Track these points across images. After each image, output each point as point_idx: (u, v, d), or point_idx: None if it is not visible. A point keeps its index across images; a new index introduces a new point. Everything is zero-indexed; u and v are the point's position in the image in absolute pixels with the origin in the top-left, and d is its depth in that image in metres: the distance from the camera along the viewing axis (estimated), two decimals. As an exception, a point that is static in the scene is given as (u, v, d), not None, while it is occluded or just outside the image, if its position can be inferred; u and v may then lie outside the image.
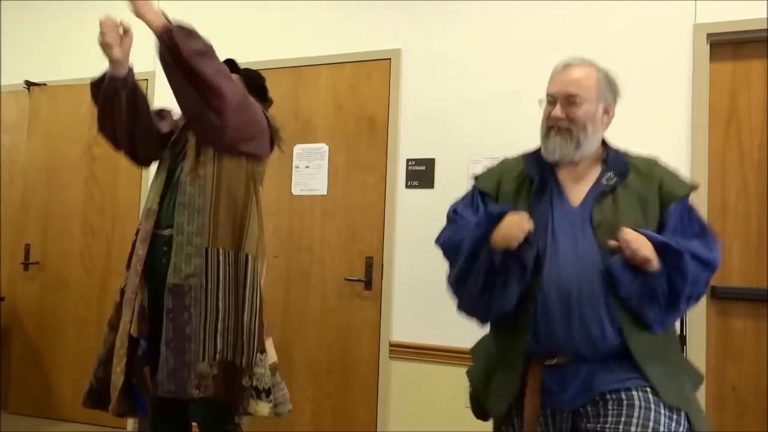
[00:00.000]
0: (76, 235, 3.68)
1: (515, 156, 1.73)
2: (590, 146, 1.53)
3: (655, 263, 1.37)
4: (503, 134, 2.81)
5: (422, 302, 2.89)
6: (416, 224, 2.94)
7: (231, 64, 2.12)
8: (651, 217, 1.47)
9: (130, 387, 1.88)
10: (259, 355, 1.86)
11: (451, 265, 1.61)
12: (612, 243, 1.40)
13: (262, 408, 1.82)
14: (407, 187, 2.98)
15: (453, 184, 2.89)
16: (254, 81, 2.17)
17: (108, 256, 3.61)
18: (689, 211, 1.51)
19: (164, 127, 2.10)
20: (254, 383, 1.83)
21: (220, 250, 1.85)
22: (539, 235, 1.46)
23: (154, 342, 1.84)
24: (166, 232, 1.88)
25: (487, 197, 1.66)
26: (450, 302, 2.81)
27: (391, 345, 2.93)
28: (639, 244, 1.36)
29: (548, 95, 1.58)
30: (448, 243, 1.63)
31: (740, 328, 2.46)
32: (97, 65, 4.06)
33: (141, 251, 1.90)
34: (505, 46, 2.85)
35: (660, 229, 1.46)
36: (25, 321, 3.76)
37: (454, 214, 1.70)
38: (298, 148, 3.20)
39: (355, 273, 3.04)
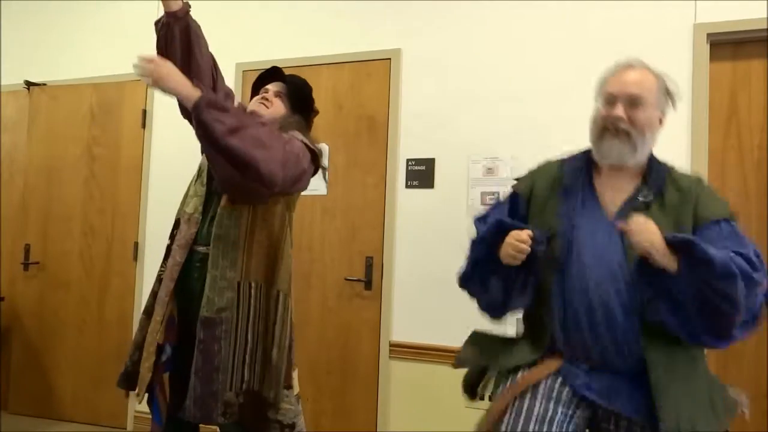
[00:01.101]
0: (76, 235, 3.68)
1: (558, 158, 1.69)
2: (644, 154, 1.49)
3: (663, 260, 1.31)
4: (503, 134, 2.81)
5: (422, 302, 2.89)
6: (416, 224, 2.94)
7: (276, 72, 2.10)
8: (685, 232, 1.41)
9: (152, 387, 1.92)
10: (285, 390, 1.91)
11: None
12: (621, 225, 1.36)
13: None
14: (407, 187, 2.98)
15: (453, 184, 2.89)
16: (301, 91, 2.10)
17: (108, 256, 3.61)
18: (727, 230, 1.41)
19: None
20: (279, 417, 1.89)
21: (252, 284, 1.87)
22: (561, 238, 1.46)
23: (179, 350, 1.89)
24: (202, 249, 1.89)
25: (519, 198, 1.64)
26: (450, 302, 2.82)
27: (391, 345, 2.93)
28: (644, 232, 1.31)
29: (608, 94, 1.50)
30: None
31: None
32: (98, 65, 4.08)
33: (179, 257, 1.91)
34: (505, 46, 2.85)
35: None
36: (25, 321, 3.76)
37: (480, 218, 1.69)
38: (298, 148, 3.20)
39: (355, 273, 3.04)
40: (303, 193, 3.15)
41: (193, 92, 1.71)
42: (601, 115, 1.51)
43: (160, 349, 1.90)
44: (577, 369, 1.46)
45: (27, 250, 3.76)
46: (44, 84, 3.84)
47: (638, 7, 2.63)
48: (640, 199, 1.46)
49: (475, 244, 1.58)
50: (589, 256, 1.43)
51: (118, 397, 3.50)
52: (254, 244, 1.88)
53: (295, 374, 2.00)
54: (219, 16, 3.47)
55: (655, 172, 1.51)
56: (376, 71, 3.08)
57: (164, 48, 1.93)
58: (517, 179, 1.72)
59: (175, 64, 1.84)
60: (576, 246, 1.46)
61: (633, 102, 1.46)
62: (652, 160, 1.53)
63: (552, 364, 1.48)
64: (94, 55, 3.79)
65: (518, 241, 1.43)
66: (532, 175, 1.67)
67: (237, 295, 1.85)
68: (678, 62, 2.54)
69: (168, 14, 1.93)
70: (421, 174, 2.96)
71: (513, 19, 2.85)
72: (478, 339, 1.74)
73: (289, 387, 1.94)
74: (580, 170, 1.55)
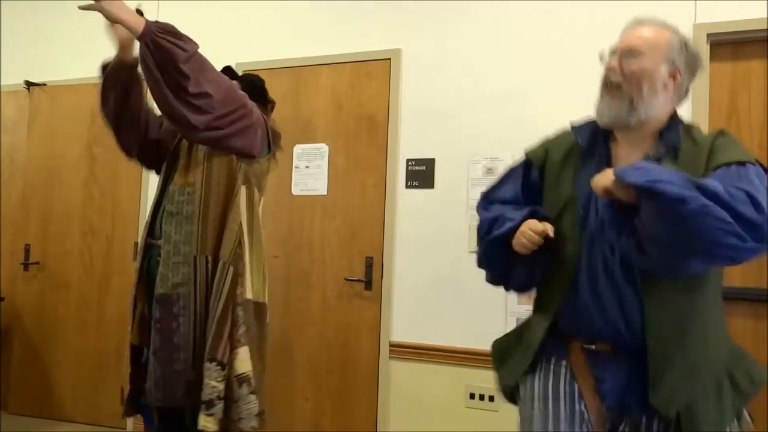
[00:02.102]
0: (76, 235, 3.68)
1: (572, 126, 1.59)
2: (648, 110, 1.35)
3: (623, 194, 1.20)
4: (503, 134, 2.81)
5: (422, 302, 2.89)
6: (416, 224, 2.94)
7: (228, 71, 2.10)
8: None
9: (136, 394, 1.91)
10: (209, 364, 1.76)
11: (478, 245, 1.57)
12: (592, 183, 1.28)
13: (203, 421, 1.73)
14: (407, 187, 2.98)
15: (453, 184, 2.89)
16: (253, 84, 2.14)
17: (108, 256, 3.61)
18: (737, 171, 1.23)
19: (153, 132, 2.05)
20: (202, 394, 1.75)
21: (209, 258, 1.82)
22: (580, 206, 1.38)
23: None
24: (159, 242, 1.88)
25: (532, 166, 1.54)
26: (450, 302, 2.83)
27: (391, 345, 2.93)
28: (600, 179, 1.25)
29: (611, 49, 1.43)
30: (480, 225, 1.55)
31: (740, 328, 2.45)
32: (97, 65, 4.06)
33: (137, 263, 1.93)
34: (505, 45, 2.85)
35: None
36: (25, 321, 3.76)
37: (486, 200, 1.59)
38: (298, 148, 3.20)
39: (355, 273, 3.04)
40: (303, 193, 3.18)
41: (139, 20, 1.72)
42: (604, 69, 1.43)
43: (138, 352, 1.88)
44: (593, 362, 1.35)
45: (27, 250, 3.76)
46: (44, 84, 3.84)
47: (638, 7, 2.62)
48: (650, 155, 1.34)
49: (495, 233, 1.45)
50: (595, 221, 1.36)
51: (118, 397, 3.50)
52: (209, 218, 1.83)
53: (240, 353, 1.81)
54: (219, 16, 3.47)
55: (671, 129, 1.38)
56: (376, 71, 3.08)
57: (108, 88, 1.97)
58: (531, 148, 1.61)
59: (110, 102, 1.95)
60: (590, 216, 1.38)
61: (628, 53, 1.37)
62: (673, 119, 1.40)
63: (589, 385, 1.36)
64: (94, 55, 3.78)
65: (533, 231, 1.36)
66: (546, 143, 1.57)
67: (193, 269, 1.79)
68: (678, 62, 2.54)
69: (120, 62, 1.93)
70: (421, 174, 2.95)
71: (513, 19, 2.85)
72: (501, 351, 1.59)
73: (213, 360, 1.76)
74: (596, 136, 1.45)
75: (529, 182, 1.54)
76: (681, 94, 1.41)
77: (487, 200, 1.58)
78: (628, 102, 1.35)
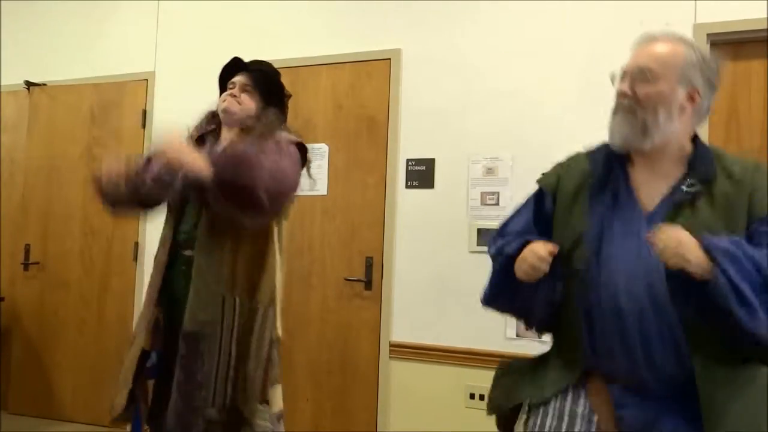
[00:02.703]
0: (76, 235, 3.68)
1: (588, 149, 1.49)
2: (664, 135, 1.26)
3: (698, 270, 1.11)
4: (503, 134, 2.81)
5: (422, 302, 2.89)
6: (416, 224, 2.94)
7: (238, 63, 2.04)
8: (739, 234, 1.20)
9: (134, 395, 1.89)
10: (259, 405, 1.83)
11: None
12: (648, 237, 1.16)
13: None
14: (407, 187, 2.98)
15: (453, 184, 2.89)
16: (270, 80, 2.02)
17: (108, 256, 3.61)
18: None
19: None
20: None
21: (237, 299, 1.82)
22: (589, 242, 1.28)
23: (164, 357, 1.87)
24: (188, 252, 1.84)
25: (545, 195, 1.45)
26: (450, 302, 2.82)
27: (391, 345, 2.93)
28: (671, 247, 1.11)
29: (622, 71, 1.34)
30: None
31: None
32: (97, 65, 4.06)
33: (161, 255, 1.89)
34: (505, 45, 2.85)
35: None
36: (25, 321, 3.76)
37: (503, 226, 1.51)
38: (298, 148, 3.20)
39: (355, 273, 3.04)
40: (303, 193, 3.17)
41: (203, 164, 1.63)
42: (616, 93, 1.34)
43: (145, 356, 1.88)
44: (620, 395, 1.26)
45: (27, 250, 3.76)
46: (44, 84, 3.84)
47: (638, 7, 2.62)
48: (684, 189, 1.24)
49: (498, 267, 1.39)
50: (620, 262, 1.25)
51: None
52: (239, 256, 1.83)
53: (276, 391, 1.89)
54: (219, 16, 3.47)
55: (701, 157, 1.27)
56: (376, 71, 3.08)
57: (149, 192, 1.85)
58: (543, 174, 1.53)
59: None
60: (605, 251, 1.27)
61: (640, 76, 1.28)
62: (699, 145, 1.31)
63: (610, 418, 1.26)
64: (94, 55, 3.79)
65: (537, 256, 1.26)
66: (559, 168, 1.47)
67: (221, 309, 1.79)
68: (678, 62, 2.54)
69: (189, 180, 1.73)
70: (421, 174, 2.95)
71: (513, 19, 2.85)
72: (505, 374, 1.50)
73: (264, 402, 1.84)
74: (613, 161, 1.34)
75: (543, 212, 1.44)
76: (701, 115, 1.32)
77: (498, 234, 1.49)
78: (641, 126, 1.26)
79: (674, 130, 1.27)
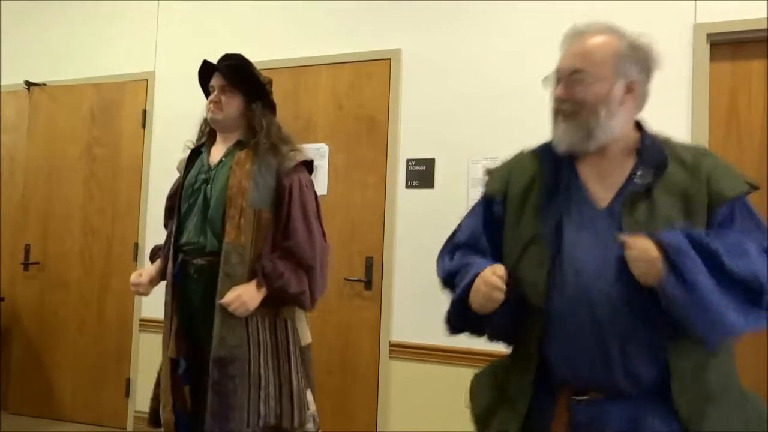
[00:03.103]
0: (76, 235, 3.68)
1: (534, 147, 1.44)
2: (607, 133, 1.24)
3: (655, 276, 1.09)
4: (503, 134, 2.81)
5: (422, 302, 2.89)
6: (416, 224, 2.94)
7: (208, 66, 2.05)
8: (697, 222, 1.18)
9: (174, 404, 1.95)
10: (305, 412, 1.92)
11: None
12: (620, 239, 1.13)
13: None
14: (407, 187, 2.98)
15: (453, 184, 2.89)
16: (241, 72, 2.02)
17: (108, 256, 3.61)
18: (742, 213, 1.21)
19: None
20: None
21: (259, 318, 1.87)
22: (549, 243, 1.23)
23: (192, 362, 1.92)
24: (199, 261, 1.90)
25: (493, 202, 1.39)
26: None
27: (391, 345, 2.93)
28: (642, 256, 1.10)
29: (555, 71, 1.31)
30: (442, 277, 1.45)
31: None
32: (97, 65, 4.06)
33: (169, 277, 1.95)
34: (505, 45, 2.85)
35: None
36: (25, 321, 3.76)
37: (456, 230, 1.47)
38: (298, 148, 3.20)
39: (355, 273, 3.04)
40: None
41: (259, 294, 1.85)
42: (551, 96, 1.31)
43: (175, 364, 1.91)
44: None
45: (27, 250, 3.76)
46: (44, 84, 3.84)
47: (638, 7, 2.62)
48: (637, 181, 1.22)
49: (454, 306, 1.34)
50: (581, 262, 1.20)
51: (118, 397, 3.50)
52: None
53: (309, 395, 1.99)
54: (219, 16, 3.47)
55: (649, 146, 1.26)
56: (376, 71, 3.08)
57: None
58: (489, 172, 1.48)
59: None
60: (564, 251, 1.23)
61: (576, 78, 1.24)
62: (644, 134, 1.29)
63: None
64: (94, 55, 3.79)
65: (490, 285, 1.19)
66: (505, 170, 1.42)
67: (246, 330, 1.84)
68: (678, 62, 2.54)
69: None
70: (421, 174, 2.95)
71: (513, 19, 2.85)
72: (484, 410, 1.41)
73: (308, 408, 1.96)
74: (561, 160, 1.30)
75: (492, 219, 1.39)
76: (641, 103, 1.30)
77: (446, 251, 1.45)
78: (585, 129, 1.24)
79: (618, 126, 1.25)
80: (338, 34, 3.19)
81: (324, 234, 2.02)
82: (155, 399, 1.99)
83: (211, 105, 1.96)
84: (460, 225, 1.47)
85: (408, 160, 2.98)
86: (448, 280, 1.38)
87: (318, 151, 3.17)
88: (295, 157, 1.94)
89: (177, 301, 1.92)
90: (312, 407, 1.98)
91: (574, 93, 1.25)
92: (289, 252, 1.89)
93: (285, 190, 1.90)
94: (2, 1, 4.02)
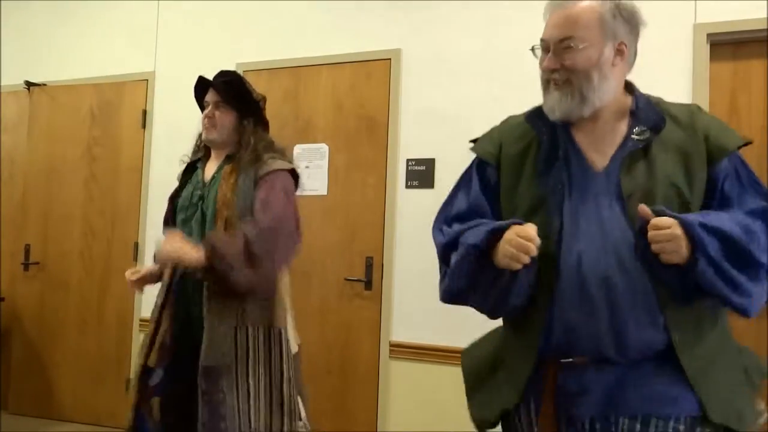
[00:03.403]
0: (76, 235, 3.68)
1: (520, 114, 1.42)
2: (601, 97, 1.22)
3: (683, 256, 1.08)
4: (503, 134, 2.81)
5: (422, 302, 2.89)
6: (416, 224, 2.94)
7: (203, 82, 2.06)
8: (697, 178, 1.19)
9: (141, 415, 1.95)
10: (297, 422, 1.95)
11: (443, 277, 1.37)
12: (643, 210, 1.10)
13: None
14: (407, 187, 2.98)
15: (453, 184, 2.88)
16: (236, 89, 2.03)
17: (108, 256, 3.61)
18: (742, 169, 1.23)
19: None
20: None
21: (249, 329, 1.88)
22: (551, 213, 1.21)
23: (170, 374, 1.92)
24: (197, 274, 1.89)
25: (487, 167, 1.36)
26: (450, 302, 2.81)
27: (391, 345, 2.93)
28: (664, 237, 1.07)
29: (540, 41, 1.29)
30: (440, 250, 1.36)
31: (740, 328, 2.45)
32: (97, 65, 4.07)
33: (166, 276, 1.95)
34: (505, 45, 2.85)
35: (710, 191, 1.20)
36: (25, 321, 3.75)
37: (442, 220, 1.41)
38: (298, 148, 3.20)
39: (355, 273, 3.04)
40: (303, 193, 3.17)
41: (198, 256, 1.75)
42: (540, 67, 1.30)
43: (150, 373, 1.92)
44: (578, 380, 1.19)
45: (27, 250, 3.76)
46: (44, 84, 3.84)
47: (638, 7, 2.62)
48: (635, 138, 1.20)
49: (462, 258, 1.24)
50: (583, 227, 1.18)
51: (118, 397, 3.50)
52: None
53: (300, 404, 2.00)
54: (219, 16, 3.47)
55: (644, 106, 1.25)
56: (376, 71, 3.08)
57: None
58: (474, 141, 1.45)
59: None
60: (566, 217, 1.20)
61: (565, 45, 1.22)
62: (637, 95, 1.28)
63: (550, 405, 1.22)
64: (94, 55, 3.79)
65: (523, 237, 1.13)
66: (496, 134, 1.40)
67: (235, 341, 1.85)
68: (678, 62, 2.54)
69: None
70: (421, 174, 2.95)
71: (513, 19, 2.85)
72: (473, 387, 1.44)
73: (300, 418, 1.97)
74: (555, 125, 1.28)
75: (487, 184, 1.36)
76: (631, 62, 1.29)
77: (441, 221, 1.39)
78: (579, 95, 1.22)
79: (611, 88, 1.24)
80: (338, 34, 3.19)
81: (293, 235, 1.97)
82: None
83: (206, 121, 2.01)
84: (453, 196, 1.42)
85: (408, 160, 2.98)
86: (451, 245, 1.30)
87: (318, 151, 3.17)
88: (273, 163, 1.95)
89: (173, 310, 1.93)
90: (303, 416, 1.99)
91: (565, 61, 1.23)
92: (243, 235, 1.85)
93: (258, 192, 1.91)
94: (2, 1, 4.02)
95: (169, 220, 2.08)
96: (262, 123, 2.08)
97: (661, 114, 1.23)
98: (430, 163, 2.94)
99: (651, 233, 1.09)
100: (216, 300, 1.84)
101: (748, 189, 1.22)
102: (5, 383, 3.74)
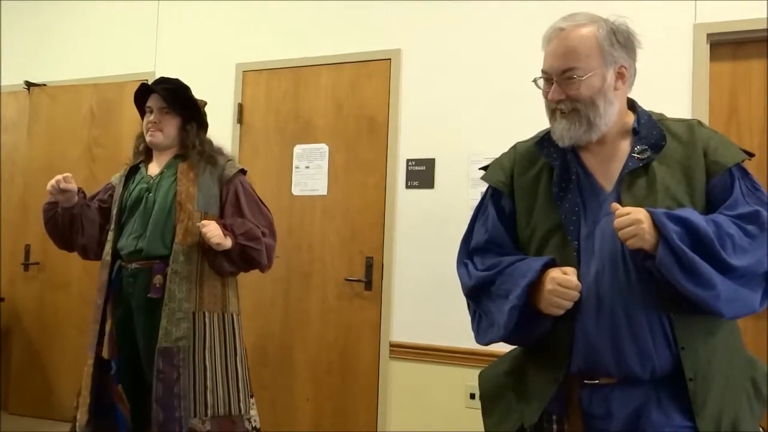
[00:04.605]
0: (76, 235, 3.67)
1: (527, 139, 1.45)
2: (608, 122, 1.26)
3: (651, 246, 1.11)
4: (503, 134, 2.79)
5: (422, 302, 2.89)
6: (416, 224, 2.94)
7: (146, 87, 2.18)
8: (698, 192, 1.21)
9: (111, 403, 2.06)
10: (250, 399, 2.08)
11: (478, 315, 1.36)
12: (613, 206, 1.15)
13: None
14: (407, 187, 2.98)
15: (453, 184, 2.89)
16: (180, 96, 2.17)
17: (108, 256, 3.61)
18: (743, 181, 1.24)
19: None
20: (253, 424, 2.06)
21: (206, 314, 2.02)
22: (569, 237, 1.24)
23: (121, 361, 2.05)
24: (133, 265, 2.05)
25: (502, 196, 1.38)
26: (450, 302, 2.81)
27: (391, 345, 2.93)
28: (626, 221, 1.11)
29: (542, 72, 1.32)
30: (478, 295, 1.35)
31: (740, 328, 2.45)
32: (98, 65, 4.07)
33: (103, 280, 2.11)
34: (505, 45, 2.85)
35: (709, 205, 1.21)
36: (25, 321, 3.75)
37: (470, 253, 1.42)
38: (298, 148, 3.20)
39: (355, 273, 3.04)
40: (303, 193, 3.18)
41: (227, 241, 2.00)
42: (544, 96, 1.33)
43: (107, 365, 2.04)
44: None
45: (27, 250, 3.76)
46: (44, 84, 3.84)
47: (638, 7, 2.62)
48: (636, 156, 1.23)
49: (510, 315, 1.23)
50: (597, 249, 1.21)
51: (118, 397, 3.50)
52: (205, 277, 2.04)
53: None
54: (219, 16, 3.47)
55: (644, 124, 1.28)
56: (376, 71, 3.08)
57: (53, 226, 2.14)
58: (484, 168, 1.47)
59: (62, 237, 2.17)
60: (583, 240, 1.23)
61: (568, 76, 1.24)
62: (639, 113, 1.31)
63: (577, 424, 1.22)
64: (94, 55, 3.79)
65: (564, 286, 1.16)
66: (507, 162, 1.42)
67: (193, 324, 1.98)
68: (678, 62, 2.54)
69: (69, 208, 2.08)
70: (421, 174, 2.95)
71: (513, 19, 2.85)
72: (491, 399, 1.40)
73: (252, 395, 2.11)
74: (564, 150, 1.31)
75: (503, 212, 1.38)
76: (631, 82, 1.32)
77: (464, 255, 1.42)
78: (587, 122, 1.25)
79: (615, 110, 1.27)
80: (338, 34, 3.19)
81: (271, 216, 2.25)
82: (77, 408, 2.07)
83: (150, 126, 2.13)
84: (471, 228, 1.45)
85: (408, 160, 2.98)
86: (482, 287, 1.32)
87: (318, 151, 3.17)
88: (234, 165, 2.20)
89: (113, 304, 2.07)
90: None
91: (570, 91, 1.25)
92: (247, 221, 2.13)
93: (229, 193, 2.13)
94: (2, 1, 4.02)
95: (102, 201, 2.22)
96: (204, 126, 2.24)
97: (661, 132, 1.26)
98: (430, 163, 2.94)
99: (615, 221, 1.12)
100: (176, 288, 1.97)
101: (747, 197, 1.22)
102: (5, 383, 3.74)
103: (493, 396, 1.39)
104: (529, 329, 1.25)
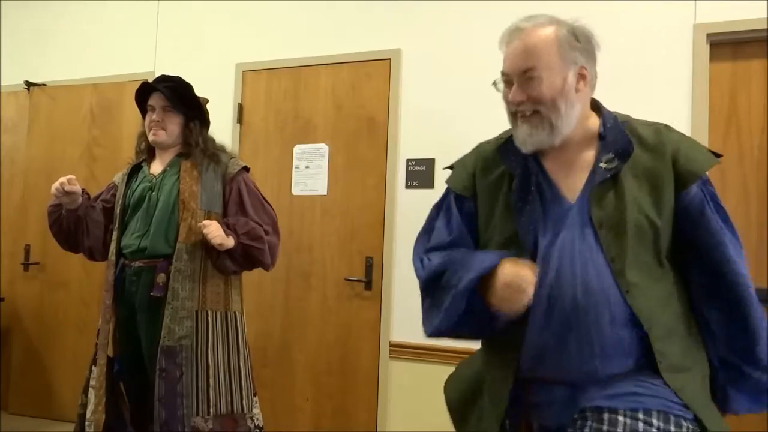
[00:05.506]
0: (76, 235, 3.68)
1: (490, 140, 1.44)
2: (569, 124, 1.22)
3: None
4: (503, 134, 2.81)
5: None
6: (416, 224, 2.89)
7: (148, 86, 2.16)
8: (665, 202, 1.19)
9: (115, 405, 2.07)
10: (253, 398, 2.07)
11: (430, 306, 1.38)
12: None
13: None
14: (407, 187, 2.98)
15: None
16: (182, 94, 2.16)
17: (108, 256, 3.61)
18: (711, 200, 1.23)
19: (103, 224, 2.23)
20: (256, 423, 2.05)
21: (209, 312, 2.01)
22: (527, 244, 1.21)
23: (122, 359, 2.07)
24: (136, 264, 2.03)
25: (464, 200, 1.36)
26: (450, 302, 2.81)
27: (391, 345, 2.93)
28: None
29: (502, 74, 1.30)
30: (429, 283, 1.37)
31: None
32: (98, 65, 4.07)
33: (109, 280, 2.07)
34: (505, 46, 2.85)
35: (680, 215, 1.20)
36: (25, 321, 3.75)
37: (426, 241, 1.41)
38: (298, 149, 3.20)
39: (355, 273, 3.04)
40: (303, 193, 3.18)
41: (230, 240, 1.99)
42: (504, 99, 1.31)
43: (111, 363, 2.04)
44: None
45: (27, 250, 3.76)
46: (44, 84, 3.84)
47: (638, 7, 2.62)
48: (603, 166, 1.19)
49: (454, 300, 1.24)
50: (557, 258, 1.18)
51: (118, 397, 3.50)
52: (208, 276, 2.04)
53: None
54: (219, 16, 3.47)
55: (611, 130, 1.23)
56: (376, 71, 3.08)
57: (58, 228, 2.14)
58: (450, 168, 1.45)
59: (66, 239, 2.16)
60: (541, 249, 1.21)
61: (528, 76, 1.22)
62: (604, 117, 1.27)
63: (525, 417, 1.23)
64: (94, 55, 3.79)
65: (527, 281, 1.12)
66: (470, 165, 1.39)
67: (196, 323, 1.97)
68: (678, 62, 2.54)
69: (73, 210, 2.09)
70: (421, 174, 2.95)
71: (513, 19, 2.84)
72: (460, 407, 1.45)
73: (255, 394, 2.11)
74: (525, 156, 1.27)
75: (466, 215, 1.36)
76: (593, 85, 1.28)
77: (421, 251, 1.39)
78: (549, 125, 1.21)
79: (576, 112, 1.23)
80: (338, 34, 3.19)
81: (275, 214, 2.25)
82: (83, 406, 2.07)
83: (153, 124, 2.12)
84: (431, 227, 1.42)
85: (408, 160, 2.98)
86: (435, 278, 1.31)
87: (318, 151, 3.17)
88: (237, 163, 2.18)
89: (117, 303, 2.05)
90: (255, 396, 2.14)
91: (531, 92, 1.22)
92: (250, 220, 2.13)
93: (233, 191, 2.12)
94: (2, 1, 4.02)
95: (106, 202, 2.21)
96: (206, 124, 2.23)
97: (628, 138, 1.22)
98: (430, 163, 2.94)
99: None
100: (179, 286, 1.96)
101: (718, 213, 1.22)
102: (5, 383, 3.74)
103: (461, 410, 1.43)
104: (474, 321, 1.25)
